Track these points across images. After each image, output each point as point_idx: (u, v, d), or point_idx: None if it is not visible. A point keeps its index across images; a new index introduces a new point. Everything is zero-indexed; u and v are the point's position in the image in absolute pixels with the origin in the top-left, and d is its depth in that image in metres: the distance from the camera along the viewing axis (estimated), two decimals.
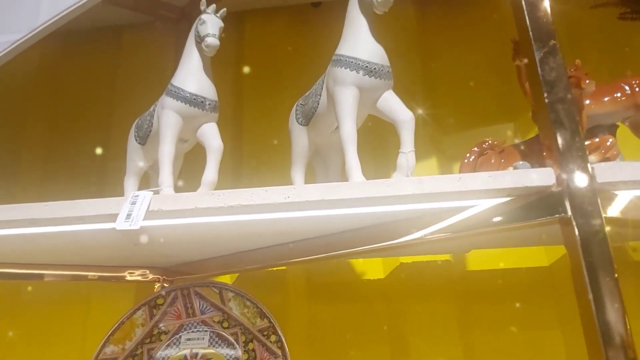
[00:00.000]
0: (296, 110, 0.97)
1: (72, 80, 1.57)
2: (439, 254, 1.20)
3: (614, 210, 0.63)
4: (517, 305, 1.14)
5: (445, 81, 1.45)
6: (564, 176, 0.61)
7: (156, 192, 0.72)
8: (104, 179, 1.40)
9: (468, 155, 0.80)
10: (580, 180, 0.61)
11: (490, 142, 0.79)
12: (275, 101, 1.45)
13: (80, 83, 1.57)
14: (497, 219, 0.64)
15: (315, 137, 0.93)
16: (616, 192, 0.64)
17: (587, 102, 0.80)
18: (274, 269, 1.24)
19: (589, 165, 0.62)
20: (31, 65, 1.50)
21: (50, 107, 1.54)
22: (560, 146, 0.63)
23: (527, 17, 0.70)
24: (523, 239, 0.96)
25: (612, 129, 0.83)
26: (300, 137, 0.94)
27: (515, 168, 0.72)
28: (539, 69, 0.67)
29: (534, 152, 0.75)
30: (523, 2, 0.71)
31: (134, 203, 0.65)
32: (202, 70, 0.83)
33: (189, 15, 1.57)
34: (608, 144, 0.69)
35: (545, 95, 0.65)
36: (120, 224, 0.63)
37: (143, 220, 0.65)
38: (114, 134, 1.46)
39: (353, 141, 0.76)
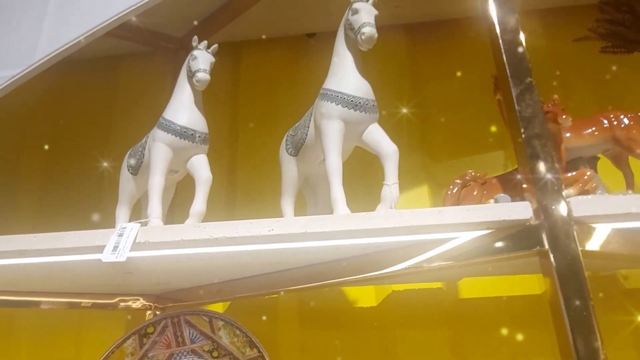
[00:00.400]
0: (286, 140, 0.99)
1: (69, 110, 1.61)
2: (430, 282, 1.20)
3: (592, 243, 0.64)
4: (510, 332, 1.14)
5: (436, 108, 1.48)
6: (541, 210, 0.63)
7: (144, 224, 0.74)
8: (101, 208, 1.42)
9: (451, 187, 0.82)
10: (556, 214, 0.62)
11: (472, 173, 0.81)
12: (270, 130, 1.47)
13: (77, 112, 1.60)
14: (477, 251, 0.66)
15: (304, 167, 0.95)
16: (593, 226, 0.65)
17: (568, 134, 0.82)
18: (265, 296, 1.24)
19: (565, 199, 0.63)
20: (28, 94, 1.53)
21: (47, 136, 1.57)
22: (537, 180, 0.64)
23: (504, 55, 0.73)
24: (513, 267, 0.97)
25: (592, 161, 0.85)
26: (289, 167, 0.97)
27: (496, 201, 0.73)
28: (515, 105, 0.69)
29: (516, 184, 0.77)
30: (500, 41, 0.74)
31: (121, 235, 0.67)
32: (193, 103, 0.86)
33: (188, 45, 1.60)
34: (585, 177, 0.70)
35: (522, 130, 0.67)
36: (107, 257, 0.64)
37: (130, 252, 0.66)
38: (110, 164, 1.48)
39: (338, 173, 0.78)
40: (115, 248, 0.66)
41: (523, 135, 0.67)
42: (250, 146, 1.53)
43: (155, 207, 0.78)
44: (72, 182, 1.49)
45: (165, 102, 1.36)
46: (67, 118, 1.61)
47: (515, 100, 0.70)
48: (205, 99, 1.61)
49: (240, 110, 1.59)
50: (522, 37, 0.74)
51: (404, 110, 1.50)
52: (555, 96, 0.77)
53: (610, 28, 0.99)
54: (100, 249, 0.67)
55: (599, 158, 0.86)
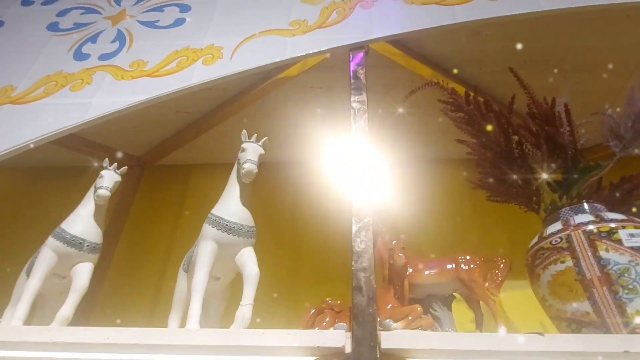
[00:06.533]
0: (185, 257, 1.06)
1: (22, 212, 1.70)
2: None
3: None
4: None
5: None
6: (354, 340, 0.67)
7: None
8: None
9: (307, 314, 0.86)
10: (365, 344, 0.66)
11: (329, 302, 0.86)
12: None
13: (30, 215, 1.69)
14: None
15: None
16: None
17: (427, 272, 0.89)
18: None
19: (376, 331, 0.68)
20: None
21: None
22: (355, 311, 0.70)
23: (350, 196, 0.84)
24: None
25: (447, 300, 0.90)
26: (181, 282, 1.02)
27: (335, 328, 0.78)
28: (352, 241, 0.78)
29: None
30: (351, 185, 0.86)
31: None
32: (91, 216, 0.95)
33: (145, 164, 1.78)
34: (414, 312, 0.75)
35: (353, 263, 0.75)
36: None
37: None
38: None
39: (200, 290, 0.84)
40: None
41: (352, 268, 0.75)
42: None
43: (21, 308, 0.82)
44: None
45: (116, 212, 1.47)
46: (19, 220, 1.70)
47: (352, 236, 0.79)
48: (151, 212, 1.73)
49: (180, 227, 1.69)
50: (368, 179, 0.85)
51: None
52: (402, 236, 0.86)
53: (484, 180, 1.11)
54: None
55: (454, 297, 0.91)
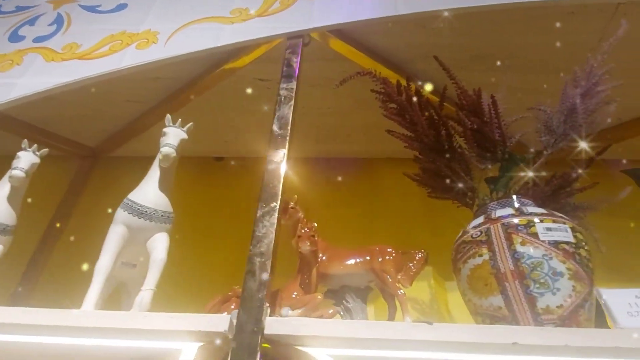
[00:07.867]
0: None
1: None
2: None
3: None
4: None
5: None
6: (238, 325, 0.65)
7: None
8: None
9: (212, 301, 0.84)
10: (248, 330, 0.64)
11: (237, 289, 0.84)
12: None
13: None
14: None
15: (115, 270, 0.98)
16: (302, 349, 0.66)
17: (340, 262, 0.87)
18: None
19: (263, 317, 0.65)
20: None
21: None
22: (245, 295, 0.67)
23: (263, 180, 0.82)
24: None
25: (362, 292, 0.87)
26: None
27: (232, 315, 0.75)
28: (254, 225, 0.76)
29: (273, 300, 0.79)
30: (265, 171, 0.83)
31: None
32: (5, 198, 0.93)
33: (99, 155, 1.76)
34: (312, 302, 0.73)
35: (251, 248, 0.73)
36: None
37: None
38: None
39: (102, 274, 0.82)
40: None
41: (250, 252, 0.72)
42: None
43: None
44: None
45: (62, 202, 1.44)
46: None
47: (255, 220, 0.76)
48: (101, 204, 1.70)
49: None
50: (282, 171, 0.83)
51: None
52: (314, 224, 0.83)
53: (423, 177, 1.09)
54: None
55: (371, 289, 0.89)
